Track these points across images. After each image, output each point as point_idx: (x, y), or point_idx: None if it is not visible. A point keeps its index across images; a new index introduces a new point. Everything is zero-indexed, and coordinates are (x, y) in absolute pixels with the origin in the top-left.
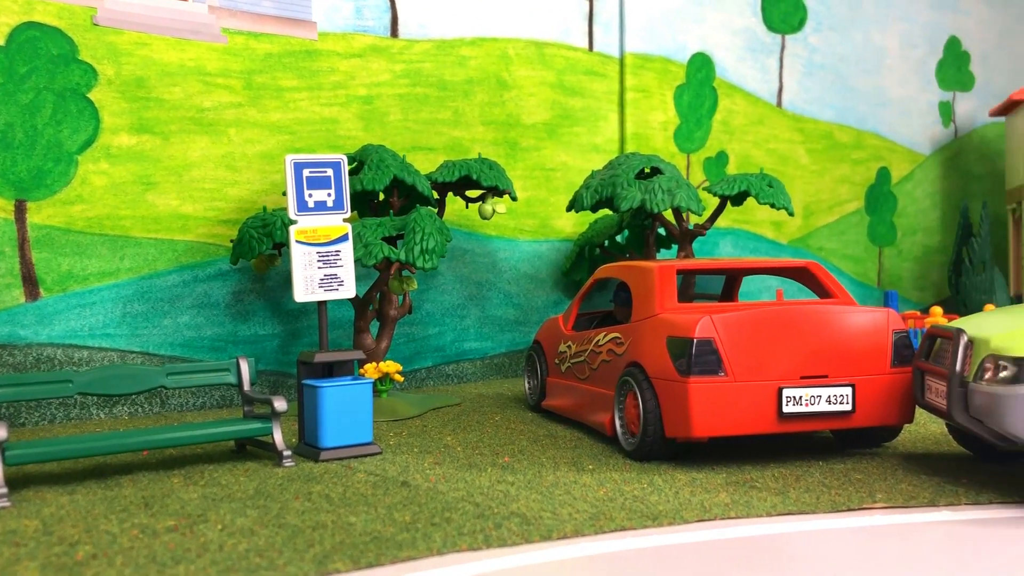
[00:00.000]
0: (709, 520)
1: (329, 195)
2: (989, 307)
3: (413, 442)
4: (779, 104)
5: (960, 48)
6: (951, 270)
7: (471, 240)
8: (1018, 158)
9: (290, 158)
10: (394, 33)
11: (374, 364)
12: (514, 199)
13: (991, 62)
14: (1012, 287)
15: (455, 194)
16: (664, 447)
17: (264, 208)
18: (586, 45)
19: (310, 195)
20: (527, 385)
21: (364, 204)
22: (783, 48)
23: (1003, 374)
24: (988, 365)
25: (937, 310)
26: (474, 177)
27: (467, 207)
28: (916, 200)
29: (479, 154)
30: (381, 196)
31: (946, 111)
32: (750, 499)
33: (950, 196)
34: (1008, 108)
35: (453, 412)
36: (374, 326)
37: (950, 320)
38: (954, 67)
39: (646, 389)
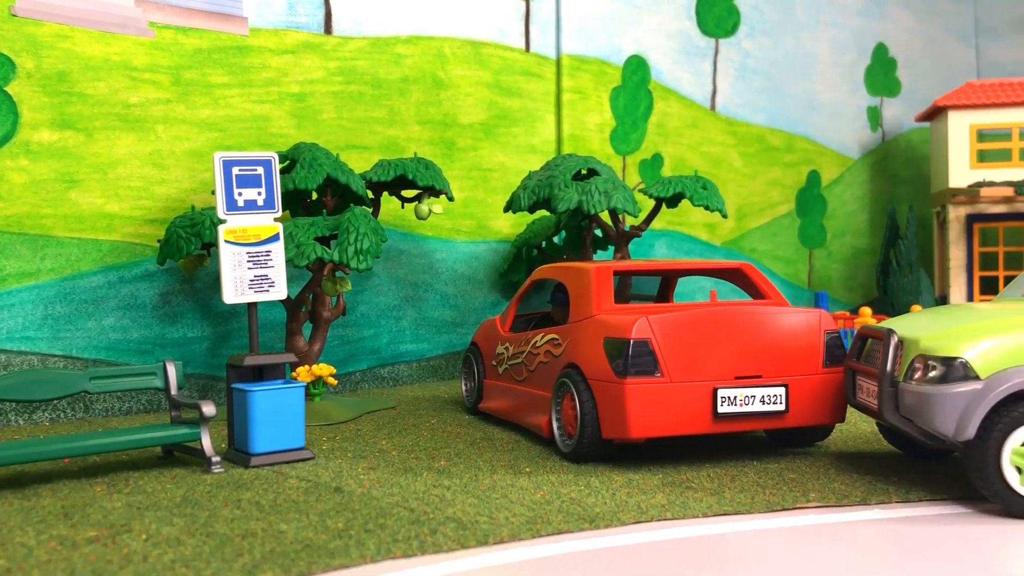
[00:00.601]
0: (646, 522)
1: (259, 194)
2: (916, 308)
3: (347, 447)
4: (713, 107)
5: (887, 54)
6: (879, 271)
7: (407, 241)
8: (942, 163)
9: (219, 156)
10: (328, 30)
11: (307, 367)
12: (451, 199)
13: (917, 69)
14: (937, 288)
15: (390, 194)
16: (601, 448)
17: (193, 207)
18: (523, 46)
19: (240, 194)
20: (464, 387)
21: (296, 203)
22: (717, 52)
23: (932, 374)
24: (918, 365)
25: (866, 311)
26: (410, 177)
27: (403, 207)
28: (845, 203)
29: (415, 153)
30: (314, 195)
31: (874, 116)
32: (686, 500)
33: (878, 199)
34: (933, 114)
35: (388, 415)
36: (307, 328)
37: (879, 320)
38: (881, 73)
39: (583, 390)
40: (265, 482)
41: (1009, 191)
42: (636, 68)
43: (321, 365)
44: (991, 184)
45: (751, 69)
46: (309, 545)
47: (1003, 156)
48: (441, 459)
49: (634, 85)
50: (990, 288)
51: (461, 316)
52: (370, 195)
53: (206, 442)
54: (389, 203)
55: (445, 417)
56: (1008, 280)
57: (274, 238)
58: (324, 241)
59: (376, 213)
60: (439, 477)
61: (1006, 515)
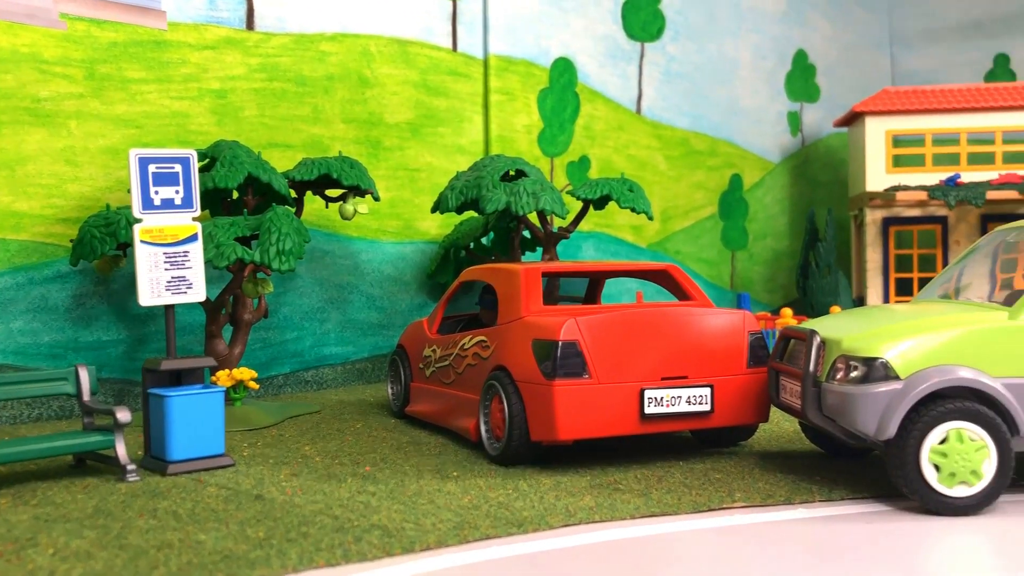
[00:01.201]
0: (574, 525)
1: (177, 192)
2: (835, 309)
3: (269, 453)
4: (638, 111)
5: (807, 61)
6: (799, 273)
7: (331, 241)
8: (860, 167)
9: (135, 152)
10: (250, 26)
11: (227, 371)
12: (376, 199)
13: (835, 75)
14: (855, 289)
15: (314, 193)
16: (529, 451)
17: (107, 206)
18: (450, 45)
19: (156, 192)
20: (390, 391)
21: (217, 203)
22: (642, 56)
23: (854, 374)
24: (840, 365)
25: (787, 311)
26: (334, 176)
27: (327, 207)
28: (766, 206)
29: (340, 152)
30: (235, 194)
31: (794, 121)
32: (614, 502)
33: (798, 202)
34: (850, 119)
35: (312, 420)
36: (227, 331)
37: (799, 321)
38: (801, 79)
39: (512, 393)
40: (183, 491)
41: (923, 195)
42: (563, 70)
43: (242, 369)
44: (906, 188)
45: (676, 73)
46: (228, 556)
47: (917, 161)
48: (366, 464)
49: (561, 87)
50: (905, 289)
51: (387, 318)
52: (293, 194)
53: (121, 450)
54: (313, 203)
55: (371, 421)
56: (922, 281)
57: (192, 238)
58: (245, 241)
59: (299, 213)
60: (364, 483)
61: (924, 512)
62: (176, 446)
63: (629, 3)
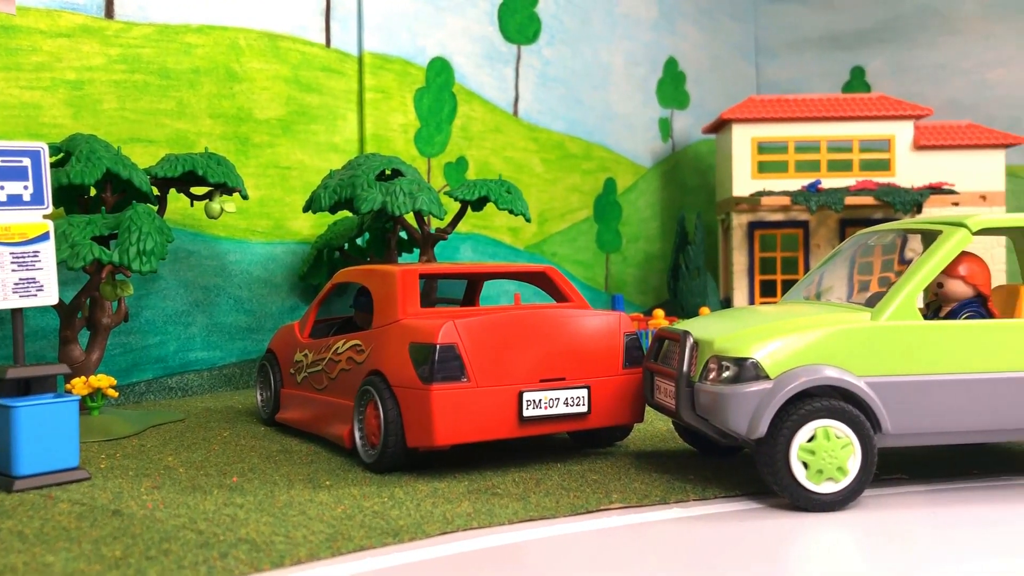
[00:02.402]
0: (451, 532)
1: (26, 188)
2: (704, 310)
3: (128, 464)
4: (515, 113)
5: (677, 68)
6: (670, 275)
7: (197, 241)
8: (727, 173)
9: None
10: (109, 14)
11: (83, 378)
12: (245, 197)
13: (704, 83)
14: (722, 291)
15: (178, 191)
16: (406, 457)
17: None
18: (323, 41)
19: (2, 187)
20: (259, 397)
21: (72, 200)
22: (519, 58)
23: (726, 374)
24: (712, 366)
25: (659, 312)
26: (200, 173)
27: (192, 205)
28: (639, 210)
29: (206, 148)
30: (92, 191)
31: (665, 127)
32: (492, 507)
33: (669, 207)
34: (718, 126)
35: (176, 429)
36: (84, 336)
37: (671, 322)
38: (672, 86)
39: (387, 398)
40: (31, 508)
41: (786, 200)
42: (440, 70)
43: (99, 376)
44: (770, 193)
45: (551, 77)
46: None
47: (781, 167)
48: (233, 475)
49: (438, 87)
50: (769, 291)
51: (257, 321)
52: (155, 192)
53: None
54: (177, 201)
55: (239, 429)
56: (785, 283)
57: (43, 237)
58: (103, 241)
59: (162, 211)
60: (231, 495)
61: (794, 509)
62: (23, 460)
63: (505, 5)
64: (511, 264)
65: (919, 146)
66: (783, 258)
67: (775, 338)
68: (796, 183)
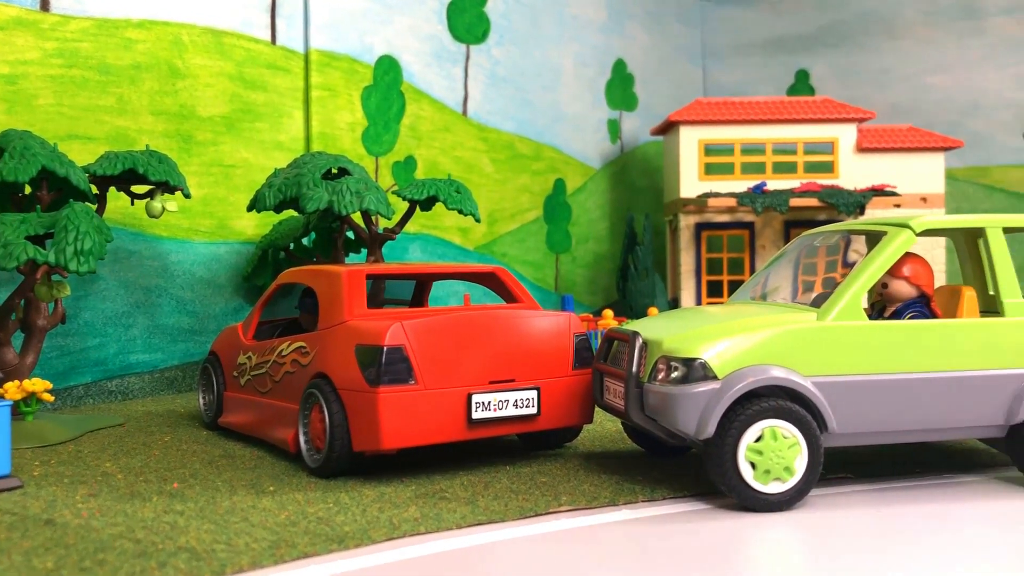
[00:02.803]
0: (398, 538)
1: None
2: (652, 310)
3: (64, 471)
4: (464, 113)
5: (626, 70)
6: (619, 276)
7: (138, 241)
8: (674, 174)
9: None
10: (45, 6)
11: (16, 382)
12: (187, 196)
13: (652, 85)
14: (670, 291)
15: (118, 189)
16: (351, 462)
17: None
18: (268, 38)
19: None
20: (202, 401)
21: (6, 198)
22: (468, 58)
23: (675, 374)
24: (661, 366)
25: (608, 313)
26: (140, 171)
27: (133, 204)
28: (588, 210)
29: (147, 146)
30: (27, 189)
31: (613, 128)
32: (440, 511)
33: (617, 207)
34: (666, 128)
35: (115, 434)
36: (18, 338)
37: (620, 323)
38: (620, 88)
39: (333, 401)
40: None
41: (732, 202)
42: (388, 68)
43: (34, 380)
44: (717, 195)
45: (501, 77)
46: None
47: (727, 169)
48: (174, 481)
49: (386, 85)
50: (716, 291)
51: (200, 323)
52: (94, 190)
53: None
54: (117, 200)
55: (180, 434)
56: (732, 284)
57: None
58: (38, 240)
59: (101, 210)
60: (171, 502)
61: (741, 509)
62: None
63: (454, 5)
64: (460, 264)
65: (862, 149)
66: (730, 259)
67: (723, 338)
68: (742, 185)
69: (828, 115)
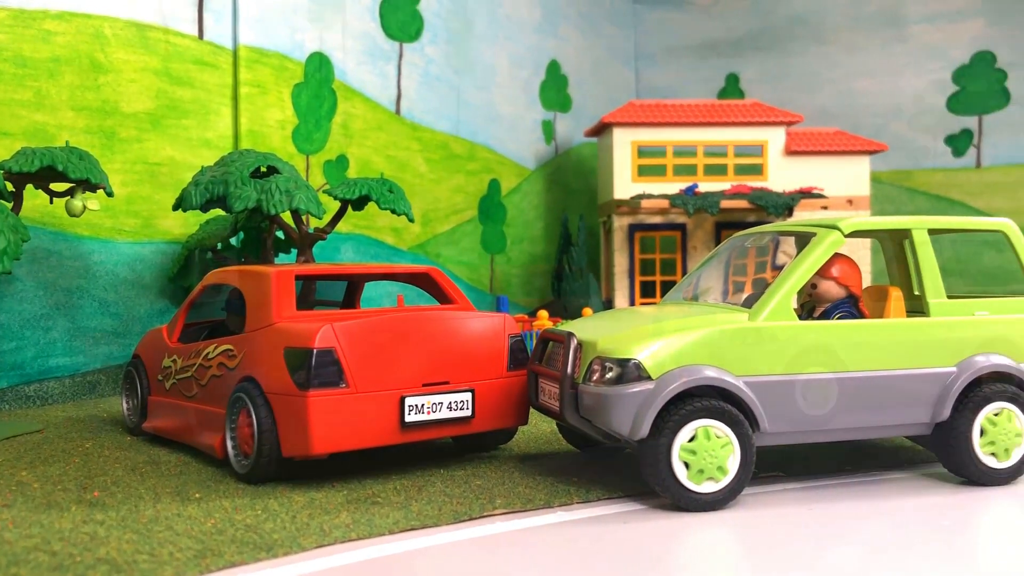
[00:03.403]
0: (329, 545)
1: None
2: (587, 311)
3: None
4: (398, 112)
5: (560, 71)
6: (553, 276)
7: (57, 240)
8: (608, 175)
9: None
10: None
11: None
12: (110, 194)
13: (586, 87)
14: (604, 292)
15: (36, 187)
16: (280, 467)
17: None
18: (196, 33)
19: None
20: (125, 405)
21: None
22: (401, 56)
23: (609, 375)
24: (596, 367)
25: (543, 313)
26: (60, 168)
27: (52, 202)
28: (523, 211)
29: (67, 142)
30: None
31: (548, 129)
32: (372, 517)
33: (552, 208)
34: (599, 130)
35: (32, 441)
36: None
37: (555, 323)
38: (555, 89)
39: (261, 405)
40: None
41: (664, 203)
42: (319, 66)
43: None
44: (650, 197)
45: (435, 76)
46: None
47: (659, 171)
48: (95, 489)
49: (317, 83)
50: (649, 292)
51: (123, 325)
52: (10, 187)
53: None
54: (35, 197)
55: (102, 440)
56: (664, 284)
57: None
58: None
59: (17, 209)
60: (91, 511)
61: (676, 509)
62: None
63: (387, 2)
64: (393, 265)
65: (790, 152)
66: (662, 260)
67: (657, 339)
68: (674, 186)
69: (757, 118)
